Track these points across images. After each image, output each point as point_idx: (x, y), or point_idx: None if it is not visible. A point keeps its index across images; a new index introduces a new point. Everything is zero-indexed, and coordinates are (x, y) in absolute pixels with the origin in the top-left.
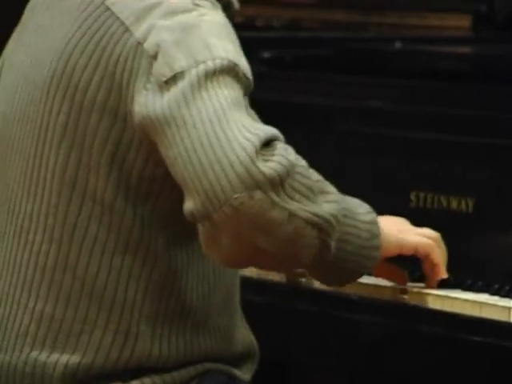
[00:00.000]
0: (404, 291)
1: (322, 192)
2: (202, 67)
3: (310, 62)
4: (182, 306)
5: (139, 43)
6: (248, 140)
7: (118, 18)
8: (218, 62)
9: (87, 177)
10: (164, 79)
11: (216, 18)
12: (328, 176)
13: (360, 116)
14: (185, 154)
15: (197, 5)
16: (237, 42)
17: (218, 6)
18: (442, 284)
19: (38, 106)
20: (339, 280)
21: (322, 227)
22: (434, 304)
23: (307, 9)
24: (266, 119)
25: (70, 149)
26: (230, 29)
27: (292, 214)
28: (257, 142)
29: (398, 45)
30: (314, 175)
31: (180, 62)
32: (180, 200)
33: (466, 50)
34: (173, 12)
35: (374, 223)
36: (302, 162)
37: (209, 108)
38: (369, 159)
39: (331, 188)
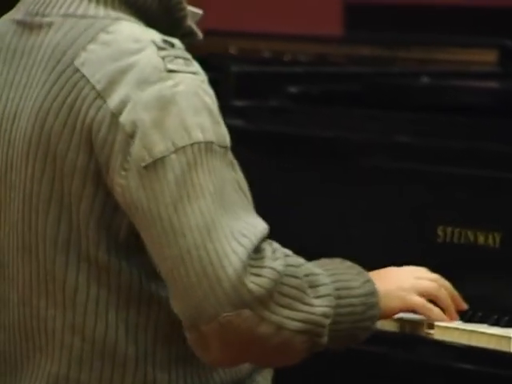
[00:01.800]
0: (431, 326)
1: (312, 287)
2: (182, 156)
3: (337, 96)
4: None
5: (113, 114)
6: (236, 254)
7: (88, 81)
8: (195, 147)
9: (79, 240)
10: (143, 164)
11: (190, 86)
12: (354, 211)
13: (386, 151)
14: (172, 261)
15: (170, 71)
16: (212, 104)
17: (189, 57)
18: (467, 318)
19: (20, 172)
20: (334, 346)
21: (313, 331)
22: (459, 338)
23: (334, 44)
24: (291, 154)
25: (58, 214)
26: (204, 89)
27: (280, 327)
28: (244, 256)
29: (424, 79)
30: (302, 269)
31: (159, 147)
32: None
33: (492, 84)
34: (147, 81)
35: (370, 293)
36: (289, 260)
37: (195, 211)
38: (395, 194)
39: (322, 278)
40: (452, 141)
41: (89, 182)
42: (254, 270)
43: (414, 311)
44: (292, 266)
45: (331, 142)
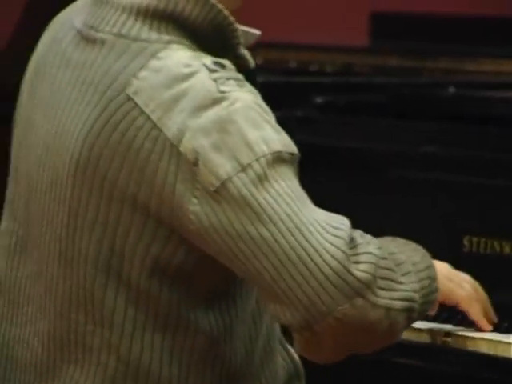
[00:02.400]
0: (448, 335)
1: (398, 264)
2: (250, 173)
3: (363, 107)
4: (228, 369)
5: (172, 145)
6: (334, 246)
7: (142, 111)
8: (262, 160)
9: (121, 264)
10: (212, 189)
11: (246, 101)
12: (381, 221)
13: (412, 161)
14: (273, 270)
15: (223, 91)
16: (270, 116)
17: (241, 77)
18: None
19: (66, 188)
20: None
21: (411, 308)
22: (486, 349)
23: (360, 54)
24: (318, 164)
25: (101, 237)
26: (260, 105)
27: (388, 309)
28: (344, 246)
29: (451, 90)
30: (387, 249)
31: (224, 167)
32: (216, 275)
33: None
34: (201, 106)
35: (430, 267)
36: (377, 243)
37: (281, 215)
38: (421, 204)
39: (399, 255)
40: (478, 151)
41: (139, 211)
42: (354, 258)
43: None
44: (381, 249)
45: (357, 153)
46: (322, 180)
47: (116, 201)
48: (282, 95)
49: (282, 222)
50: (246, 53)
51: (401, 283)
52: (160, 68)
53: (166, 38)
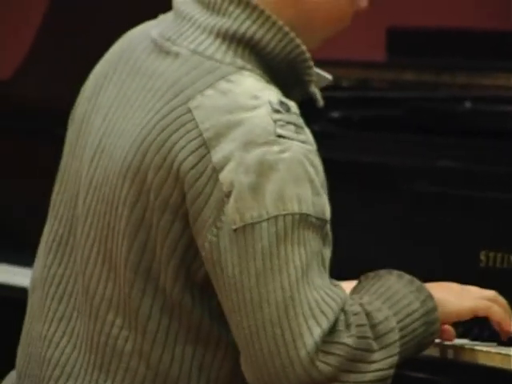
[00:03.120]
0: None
1: (379, 337)
2: (272, 226)
3: (379, 121)
4: None
5: (215, 169)
6: (311, 333)
7: (197, 125)
8: (288, 218)
9: (159, 272)
10: (234, 227)
11: (296, 153)
12: (397, 236)
13: (429, 175)
14: (247, 332)
15: (279, 136)
16: (315, 175)
17: (302, 124)
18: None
19: (115, 190)
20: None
21: (384, 381)
22: (501, 363)
23: (376, 69)
24: (334, 179)
25: (144, 242)
26: (310, 160)
27: None
28: (318, 337)
29: (467, 104)
30: (373, 319)
31: (252, 211)
32: None
33: None
34: (253, 143)
35: (430, 311)
36: (359, 320)
37: (276, 286)
38: (437, 219)
39: (387, 323)
40: (495, 166)
41: (178, 221)
42: (326, 348)
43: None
44: (362, 325)
45: (373, 167)
46: (338, 194)
47: (159, 209)
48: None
49: (275, 291)
50: (316, 92)
51: (376, 362)
52: (227, 91)
53: (240, 63)
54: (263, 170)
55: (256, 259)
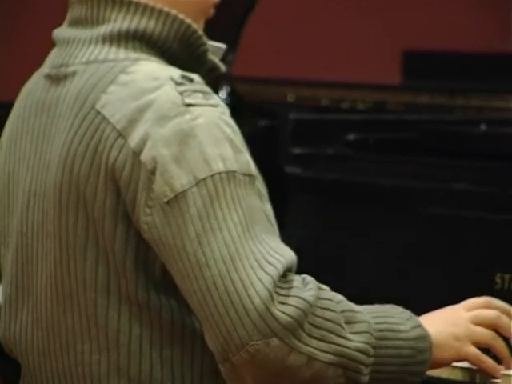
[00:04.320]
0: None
1: (350, 322)
2: (203, 189)
3: (395, 144)
4: None
5: (135, 153)
6: (262, 282)
7: (109, 122)
8: (217, 177)
9: (118, 281)
10: (165, 200)
11: (210, 117)
12: (411, 258)
13: (444, 198)
14: (200, 294)
15: (188, 105)
16: (233, 134)
17: (209, 90)
18: None
19: (54, 221)
20: None
21: (347, 366)
22: None
23: (392, 91)
24: (350, 201)
25: (96, 257)
26: (225, 121)
27: (311, 358)
28: (270, 285)
29: (482, 127)
30: (340, 305)
31: (180, 180)
32: None
33: None
34: (165, 117)
35: (420, 338)
36: (324, 294)
37: (220, 243)
38: (453, 241)
39: (361, 316)
40: (509, 188)
41: (120, 223)
42: (281, 299)
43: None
44: (327, 299)
45: (389, 190)
46: (353, 217)
47: (98, 218)
48: (313, 132)
49: (219, 248)
50: (214, 58)
51: (343, 338)
52: (128, 82)
53: (134, 55)
54: (181, 138)
55: (194, 223)
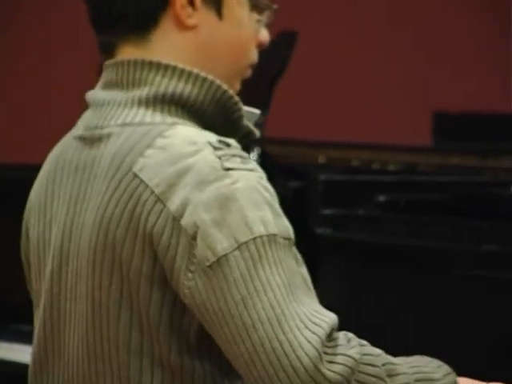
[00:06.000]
0: None
1: (391, 375)
2: (245, 252)
3: (425, 205)
4: None
5: (175, 218)
6: (310, 343)
7: (147, 185)
8: (258, 241)
9: (152, 344)
10: (208, 264)
11: (249, 181)
12: (443, 319)
13: (475, 259)
14: (247, 356)
15: (227, 169)
16: (271, 198)
17: (246, 155)
18: None
19: (87, 282)
20: None
21: None
22: None
23: (423, 153)
24: (380, 263)
25: (129, 320)
26: (263, 185)
27: None
28: (318, 344)
29: None
30: (381, 359)
31: (222, 244)
32: None
33: None
34: (205, 182)
35: (453, 382)
36: (366, 350)
37: (265, 305)
38: (484, 302)
39: (401, 368)
40: None
41: (156, 287)
42: (329, 358)
43: None
44: (369, 354)
45: (419, 251)
46: (384, 278)
47: (133, 282)
48: (344, 193)
49: (264, 310)
50: (249, 124)
51: None
52: (165, 146)
53: (170, 119)
54: (222, 203)
55: (238, 286)
